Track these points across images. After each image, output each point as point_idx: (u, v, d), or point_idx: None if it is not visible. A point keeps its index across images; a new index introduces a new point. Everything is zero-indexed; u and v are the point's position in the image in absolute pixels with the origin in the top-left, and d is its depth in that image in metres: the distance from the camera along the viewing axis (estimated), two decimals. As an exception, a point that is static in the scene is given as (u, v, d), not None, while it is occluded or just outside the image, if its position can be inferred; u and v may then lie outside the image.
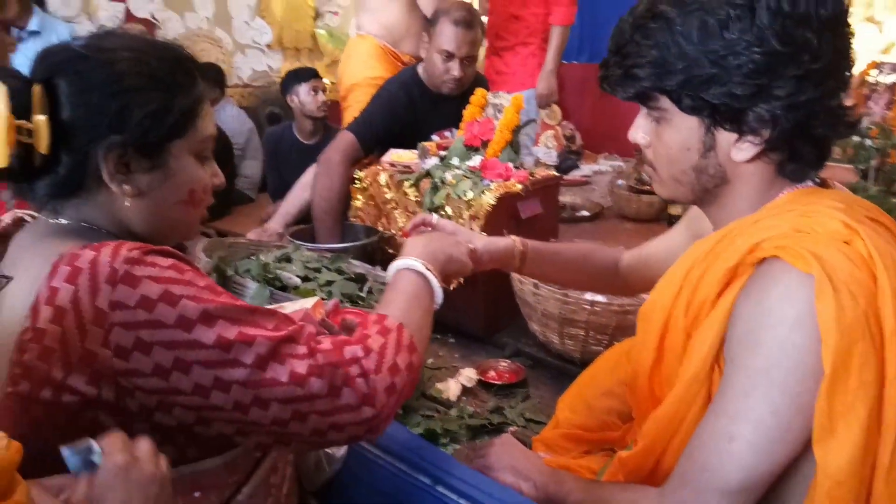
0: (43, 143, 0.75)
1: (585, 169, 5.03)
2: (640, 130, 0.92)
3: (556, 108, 5.40)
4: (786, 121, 0.79)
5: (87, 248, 0.73)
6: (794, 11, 0.76)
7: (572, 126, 5.66)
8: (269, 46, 5.21)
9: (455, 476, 1.01)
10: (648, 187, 3.49)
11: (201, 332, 0.71)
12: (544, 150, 5.16)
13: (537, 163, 4.28)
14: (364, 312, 1.14)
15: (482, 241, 1.20)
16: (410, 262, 0.97)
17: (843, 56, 0.82)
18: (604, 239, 3.07)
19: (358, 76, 2.95)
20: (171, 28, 4.70)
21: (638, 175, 3.58)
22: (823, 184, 0.91)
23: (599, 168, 5.10)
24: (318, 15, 5.49)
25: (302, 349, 0.75)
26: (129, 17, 4.45)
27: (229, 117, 3.90)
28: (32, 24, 3.11)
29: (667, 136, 0.88)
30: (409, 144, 2.31)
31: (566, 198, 3.93)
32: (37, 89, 0.75)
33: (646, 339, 0.94)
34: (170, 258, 0.75)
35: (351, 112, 2.84)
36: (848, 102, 0.83)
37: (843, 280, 0.72)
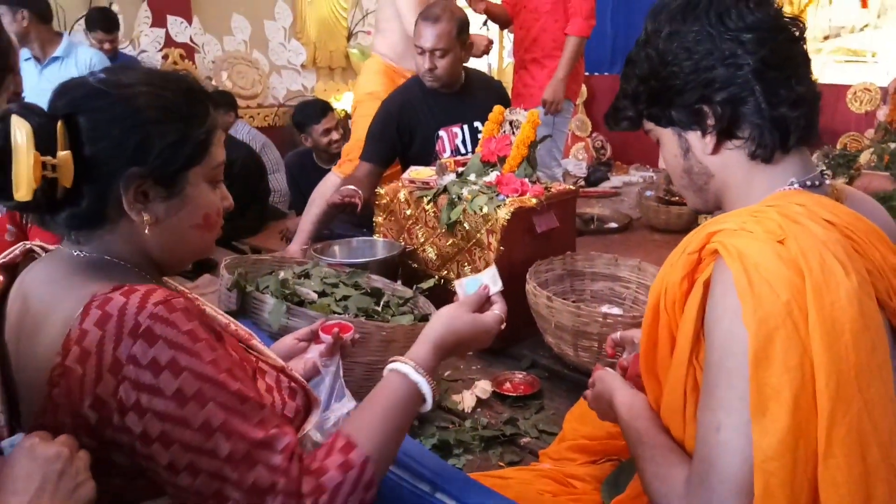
0: (67, 178, 0.79)
1: (616, 180, 5.02)
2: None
3: (586, 119, 5.42)
4: (721, 108, 0.92)
5: (117, 290, 0.76)
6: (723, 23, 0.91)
7: (602, 138, 5.66)
8: (303, 66, 5.35)
9: (454, 484, 1.05)
10: (677, 198, 3.48)
11: (192, 410, 0.74)
12: (574, 162, 5.17)
13: (566, 175, 4.29)
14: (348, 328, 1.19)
15: None
16: (408, 370, 0.92)
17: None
18: (632, 250, 3.06)
19: (360, 92, 3.19)
20: (210, 51, 4.87)
21: (667, 186, 3.57)
22: (815, 187, 0.95)
23: (630, 179, 5.08)
24: (350, 35, 5.62)
25: (276, 459, 0.76)
26: (169, 41, 4.62)
27: (241, 135, 4.11)
28: (58, 50, 3.17)
29: (663, 152, 1.02)
30: (417, 140, 2.54)
31: (595, 209, 3.94)
32: (60, 126, 0.79)
33: (647, 312, 1.00)
34: (193, 320, 0.78)
35: (356, 127, 3.03)
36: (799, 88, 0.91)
37: (763, 275, 0.79)
